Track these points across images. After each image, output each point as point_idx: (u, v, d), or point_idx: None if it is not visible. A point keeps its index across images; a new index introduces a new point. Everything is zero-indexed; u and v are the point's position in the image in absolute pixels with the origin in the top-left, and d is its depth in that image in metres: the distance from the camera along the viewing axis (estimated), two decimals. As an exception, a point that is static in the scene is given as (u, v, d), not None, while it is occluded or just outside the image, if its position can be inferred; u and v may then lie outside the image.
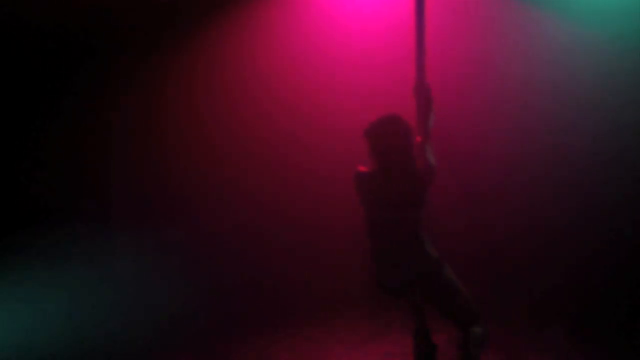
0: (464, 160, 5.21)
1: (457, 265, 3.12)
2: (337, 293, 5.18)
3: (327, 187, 5.40)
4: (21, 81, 5.39)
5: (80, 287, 5.22)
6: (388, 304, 4.87)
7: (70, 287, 5.19)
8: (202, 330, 4.53)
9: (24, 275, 5.10)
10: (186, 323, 4.71)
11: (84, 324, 4.70)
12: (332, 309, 4.88)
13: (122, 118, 5.61)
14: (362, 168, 3.03)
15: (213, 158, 5.63)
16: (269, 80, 5.48)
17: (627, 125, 4.93)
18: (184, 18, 5.46)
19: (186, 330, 4.54)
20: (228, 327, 4.55)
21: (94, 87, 5.51)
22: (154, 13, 5.40)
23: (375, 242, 2.99)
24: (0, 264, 5.09)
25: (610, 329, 4.23)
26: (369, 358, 3.79)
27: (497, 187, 5.23)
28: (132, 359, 3.97)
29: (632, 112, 4.91)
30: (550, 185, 5.18)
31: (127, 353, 4.08)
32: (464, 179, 5.26)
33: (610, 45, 4.89)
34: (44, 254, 5.23)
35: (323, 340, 4.14)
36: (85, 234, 5.42)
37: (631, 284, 4.78)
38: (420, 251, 2.91)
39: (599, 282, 4.85)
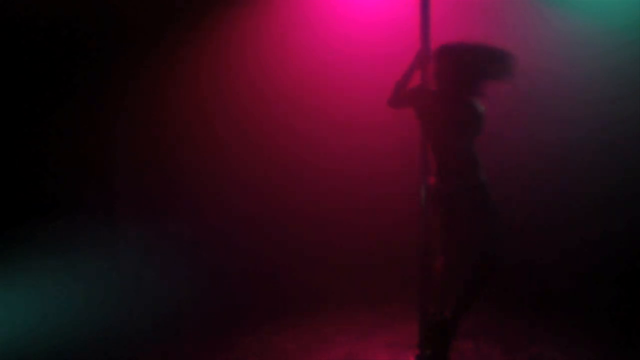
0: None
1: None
2: (339, 284, 5.22)
3: (332, 181, 5.42)
4: (24, 71, 5.38)
5: (83, 279, 5.24)
6: (389, 295, 4.92)
7: (73, 278, 5.21)
8: (206, 321, 4.56)
9: (27, 267, 5.12)
10: (190, 314, 4.74)
11: (88, 315, 4.72)
12: (334, 300, 4.91)
13: (126, 109, 5.61)
14: None
15: (217, 150, 5.64)
16: (273, 73, 5.48)
17: (629, 117, 4.94)
18: (189, 10, 5.45)
19: (190, 321, 4.56)
20: (232, 318, 4.58)
21: (98, 79, 5.50)
22: (159, 4, 5.39)
23: None
24: (4, 256, 5.10)
25: (610, 320, 4.26)
26: (372, 348, 3.81)
27: (496, 179, 5.24)
28: (136, 349, 3.99)
29: (633, 104, 4.93)
30: (549, 178, 5.19)
31: (131, 343, 4.10)
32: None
33: (612, 36, 4.89)
34: (48, 246, 5.25)
35: (326, 331, 4.16)
36: (89, 226, 5.43)
37: (632, 275, 4.82)
38: None
39: (601, 273, 4.88)
